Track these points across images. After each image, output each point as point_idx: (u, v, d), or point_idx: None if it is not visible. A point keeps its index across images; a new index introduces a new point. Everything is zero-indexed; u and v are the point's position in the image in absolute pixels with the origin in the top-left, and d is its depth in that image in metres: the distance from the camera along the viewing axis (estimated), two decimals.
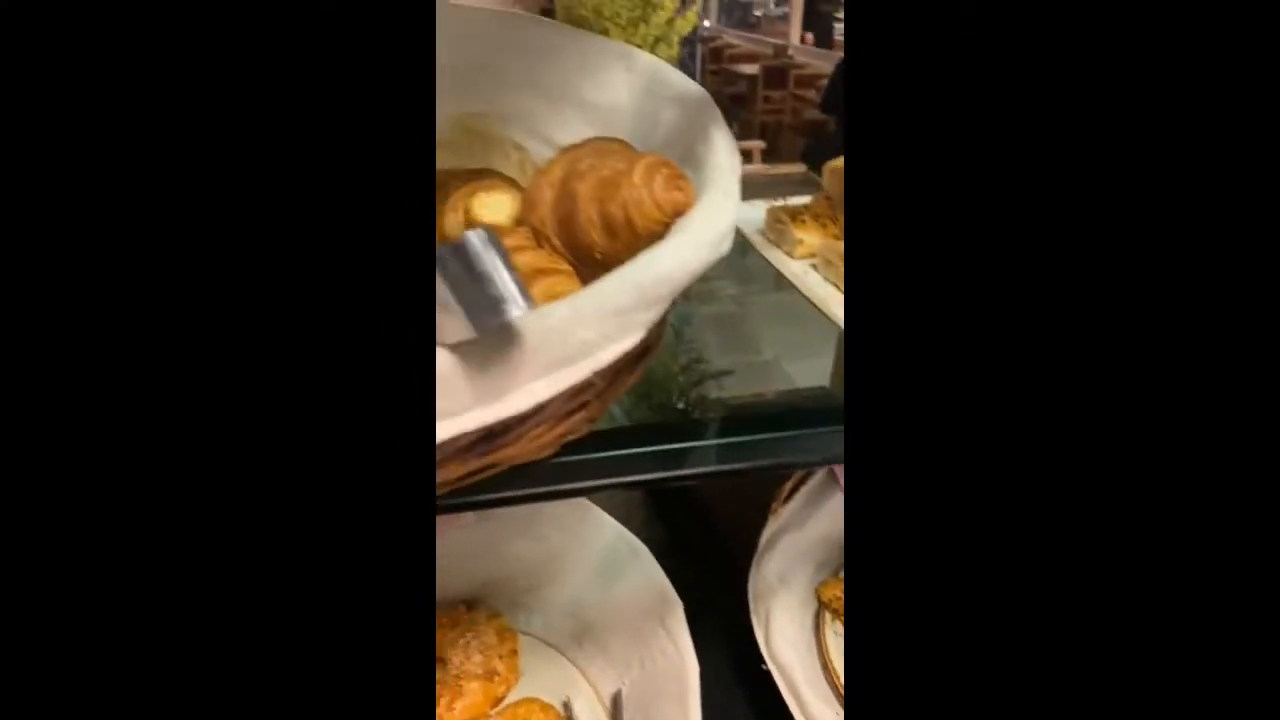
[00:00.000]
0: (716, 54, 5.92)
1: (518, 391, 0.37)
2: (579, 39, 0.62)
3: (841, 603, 0.80)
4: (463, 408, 0.36)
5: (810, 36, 6.28)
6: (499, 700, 0.71)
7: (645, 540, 0.74)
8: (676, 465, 0.48)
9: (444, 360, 0.34)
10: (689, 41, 0.68)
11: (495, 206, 0.51)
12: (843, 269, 0.73)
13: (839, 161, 0.87)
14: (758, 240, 0.86)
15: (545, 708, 0.70)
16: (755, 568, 0.77)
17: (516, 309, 0.32)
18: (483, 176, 0.55)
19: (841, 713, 0.70)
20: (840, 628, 0.79)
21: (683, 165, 0.48)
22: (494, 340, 0.35)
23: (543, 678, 0.74)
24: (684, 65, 0.63)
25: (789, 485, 0.78)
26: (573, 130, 0.63)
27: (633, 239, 0.46)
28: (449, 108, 0.66)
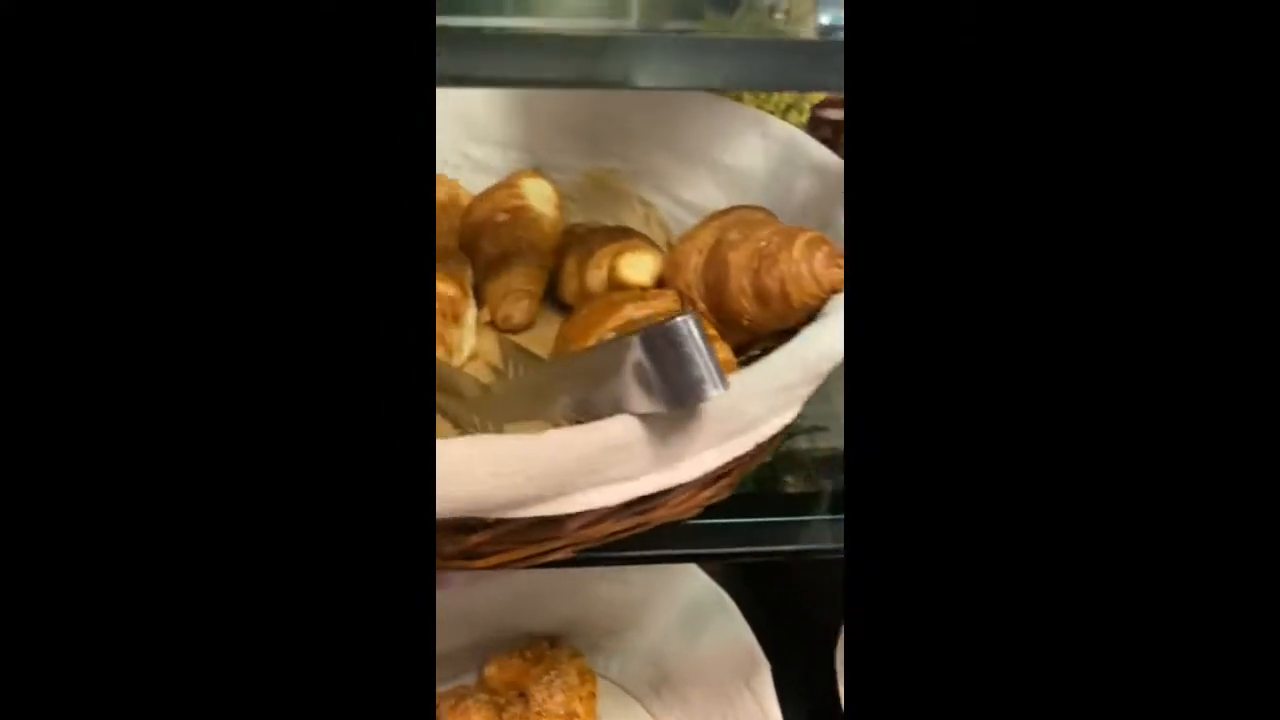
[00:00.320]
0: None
1: (690, 460, 0.38)
2: (711, 102, 0.64)
3: None
4: (641, 473, 0.37)
5: None
6: None
7: (733, 596, 0.73)
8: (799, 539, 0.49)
9: (630, 427, 0.36)
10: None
11: (640, 267, 0.53)
12: None
13: None
14: None
15: None
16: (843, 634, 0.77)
17: (714, 390, 0.33)
18: (628, 236, 0.56)
19: None
20: None
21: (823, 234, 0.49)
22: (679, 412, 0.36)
23: None
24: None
25: None
26: (702, 191, 0.64)
27: (785, 310, 0.47)
28: (581, 161, 0.68)
